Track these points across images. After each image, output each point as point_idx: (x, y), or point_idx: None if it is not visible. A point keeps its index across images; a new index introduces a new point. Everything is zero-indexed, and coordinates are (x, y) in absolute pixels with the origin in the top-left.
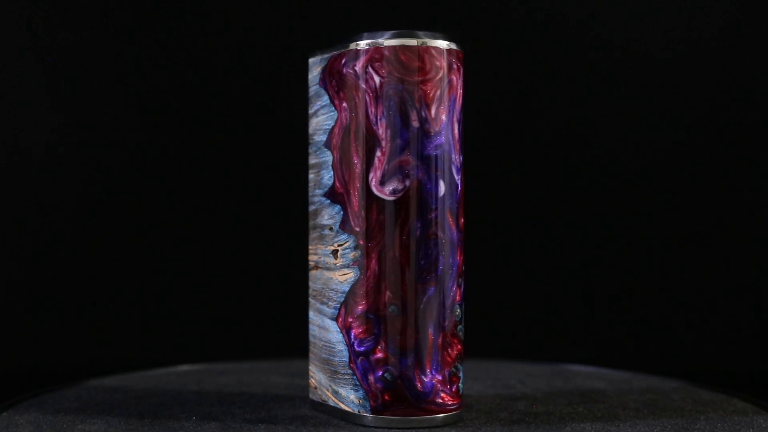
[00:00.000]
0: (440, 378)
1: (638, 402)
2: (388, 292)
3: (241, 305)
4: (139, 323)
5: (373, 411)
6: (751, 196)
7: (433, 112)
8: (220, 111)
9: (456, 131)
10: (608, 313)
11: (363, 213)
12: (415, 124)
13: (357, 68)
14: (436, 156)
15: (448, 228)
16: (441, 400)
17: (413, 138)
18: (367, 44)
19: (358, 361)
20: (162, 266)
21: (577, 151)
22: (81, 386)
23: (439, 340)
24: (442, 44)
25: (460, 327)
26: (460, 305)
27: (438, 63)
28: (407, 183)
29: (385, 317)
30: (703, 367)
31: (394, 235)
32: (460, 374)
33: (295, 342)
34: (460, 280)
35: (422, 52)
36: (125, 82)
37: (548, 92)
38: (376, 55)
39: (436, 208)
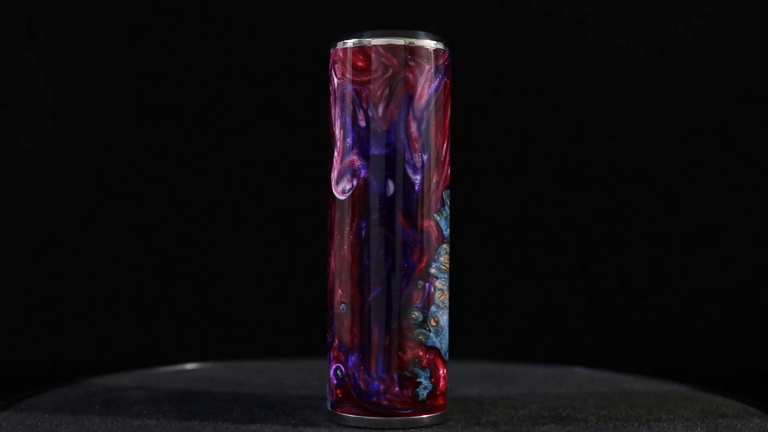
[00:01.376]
0: (388, 380)
1: (637, 403)
2: (339, 290)
3: (242, 304)
4: (139, 323)
5: (331, 406)
6: (751, 196)
7: (380, 111)
8: (220, 110)
9: (414, 129)
10: (608, 314)
11: (329, 212)
12: (362, 123)
13: (329, 70)
14: (383, 155)
15: (400, 228)
16: (387, 403)
17: (361, 137)
18: (333, 46)
19: (327, 356)
20: (162, 266)
21: (577, 151)
22: (81, 384)
23: (386, 342)
24: (396, 42)
25: (419, 330)
26: (420, 308)
27: (387, 61)
28: (354, 182)
29: (338, 315)
30: (703, 367)
31: (345, 234)
32: (421, 379)
33: (295, 341)
34: (421, 282)
35: (369, 52)
36: (125, 82)
37: (548, 92)
38: (335, 57)
39: (383, 208)
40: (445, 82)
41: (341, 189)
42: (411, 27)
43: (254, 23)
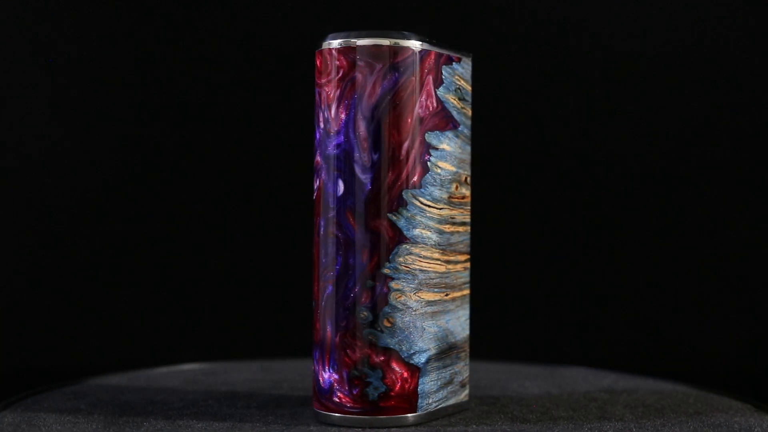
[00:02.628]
0: (337, 377)
1: (636, 404)
2: (313, 287)
3: (243, 304)
4: (139, 323)
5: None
6: (752, 197)
7: (332, 112)
8: (222, 111)
9: (363, 129)
10: (608, 314)
11: None
12: (321, 125)
13: None
14: (334, 155)
15: (348, 228)
16: (338, 400)
17: (321, 138)
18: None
19: None
20: (162, 266)
21: (577, 151)
22: (81, 384)
23: (337, 339)
24: (347, 42)
25: (369, 330)
26: (370, 308)
27: (338, 63)
28: (318, 182)
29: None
30: (703, 367)
31: (313, 233)
32: (371, 380)
33: (296, 341)
34: (370, 282)
35: (326, 54)
36: (127, 81)
37: (551, 94)
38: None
39: (335, 208)
40: (411, 79)
41: (314, 188)
42: (394, 28)
43: (258, 24)
